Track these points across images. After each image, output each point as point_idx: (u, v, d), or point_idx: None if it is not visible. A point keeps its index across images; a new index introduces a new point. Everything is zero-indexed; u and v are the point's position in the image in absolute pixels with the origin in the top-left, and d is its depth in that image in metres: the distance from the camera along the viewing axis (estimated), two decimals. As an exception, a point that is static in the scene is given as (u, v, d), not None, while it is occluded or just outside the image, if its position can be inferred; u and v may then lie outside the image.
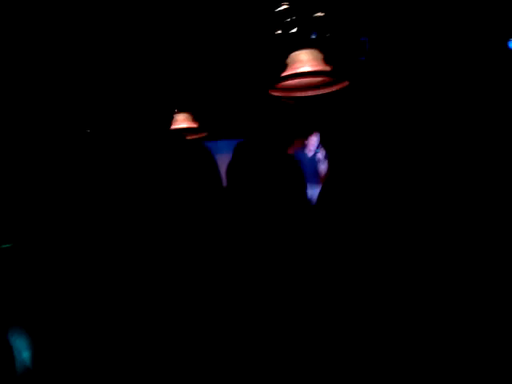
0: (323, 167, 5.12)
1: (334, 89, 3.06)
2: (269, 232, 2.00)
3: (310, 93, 3.16)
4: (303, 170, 4.52)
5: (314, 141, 5.26)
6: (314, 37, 4.27)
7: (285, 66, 3.10)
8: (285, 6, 4.18)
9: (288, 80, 2.98)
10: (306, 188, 2.10)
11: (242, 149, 2.13)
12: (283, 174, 2.03)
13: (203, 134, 4.66)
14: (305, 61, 2.94)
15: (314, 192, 5.23)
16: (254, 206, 1.99)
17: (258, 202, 2.01)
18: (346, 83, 3.02)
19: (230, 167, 2.14)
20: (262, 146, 2.04)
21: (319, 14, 4.32)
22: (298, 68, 2.95)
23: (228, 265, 2.11)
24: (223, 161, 6.23)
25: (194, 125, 4.31)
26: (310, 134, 5.33)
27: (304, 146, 5.33)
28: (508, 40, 4.47)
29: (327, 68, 2.93)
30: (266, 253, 1.99)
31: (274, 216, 2.00)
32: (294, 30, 4.17)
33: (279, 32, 4.13)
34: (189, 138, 4.86)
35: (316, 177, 5.25)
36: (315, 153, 5.19)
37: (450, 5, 4.22)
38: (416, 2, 4.24)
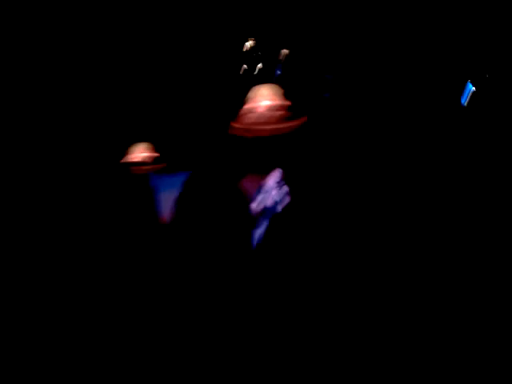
0: (284, 203, 5.11)
1: (293, 124, 3.06)
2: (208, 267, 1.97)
3: (269, 127, 3.15)
4: (264, 207, 4.50)
5: (272, 178, 5.25)
6: (279, 72, 4.32)
7: (245, 101, 3.11)
8: (251, 42, 4.23)
9: (248, 114, 2.98)
10: (252, 223, 2.10)
11: (191, 182, 2.12)
12: (228, 208, 2.02)
13: (162, 165, 4.59)
14: (265, 95, 2.95)
15: (272, 228, 5.17)
16: (198, 239, 1.96)
17: (203, 235, 1.98)
18: (305, 119, 3.03)
19: (180, 199, 2.11)
20: (211, 179, 2.03)
21: (285, 51, 4.39)
22: (258, 102, 2.96)
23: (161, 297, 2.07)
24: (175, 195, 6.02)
25: (153, 155, 4.25)
26: (269, 170, 5.33)
27: (262, 184, 5.31)
28: (461, 95, 4.64)
29: (287, 103, 2.95)
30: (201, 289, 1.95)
31: (215, 251, 1.97)
32: (260, 65, 4.22)
33: (245, 67, 4.18)
34: (146, 168, 4.80)
35: (277, 213, 5.20)
36: (275, 190, 5.17)
37: (411, 47, 4.37)
38: (380, 42, 4.37)
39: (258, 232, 4.63)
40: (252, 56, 4.04)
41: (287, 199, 5.07)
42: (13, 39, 3.13)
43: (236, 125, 3.19)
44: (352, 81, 4.75)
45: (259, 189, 5.05)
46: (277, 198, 4.99)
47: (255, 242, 2.16)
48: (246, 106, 3.04)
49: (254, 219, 2.18)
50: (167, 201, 5.98)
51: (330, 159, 5.37)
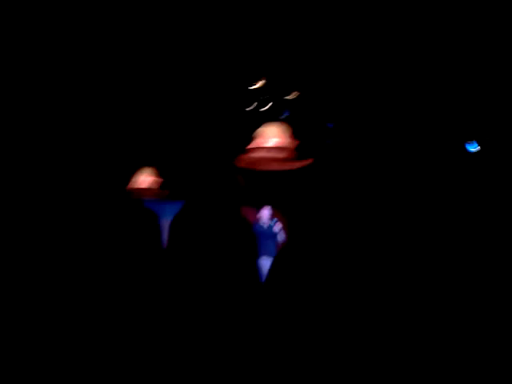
0: (280, 239, 5.15)
1: (298, 165, 3.14)
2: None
3: (273, 167, 3.23)
4: (261, 241, 4.53)
5: (266, 213, 5.31)
6: (286, 115, 4.46)
7: (251, 139, 3.19)
8: (260, 84, 4.37)
9: (253, 152, 3.05)
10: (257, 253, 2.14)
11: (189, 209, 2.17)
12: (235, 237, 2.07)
13: (166, 192, 4.62)
14: (273, 133, 3.03)
15: (269, 262, 5.15)
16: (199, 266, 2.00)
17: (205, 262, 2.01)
18: (310, 161, 3.12)
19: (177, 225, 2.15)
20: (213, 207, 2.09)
21: (294, 95, 4.53)
22: (266, 138, 3.03)
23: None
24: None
25: (158, 180, 4.26)
26: (261, 206, 5.39)
27: (258, 219, 5.36)
28: (466, 143, 4.78)
29: (295, 142, 3.03)
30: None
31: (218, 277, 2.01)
32: (267, 107, 4.35)
33: (253, 107, 4.30)
34: (151, 194, 4.81)
35: (273, 248, 5.24)
36: (270, 225, 5.22)
37: (410, 97, 4.51)
38: (382, 93, 4.51)
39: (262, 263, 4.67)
40: (262, 95, 4.17)
41: (282, 235, 5.14)
42: (15, 48, 3.20)
43: (243, 159, 3.26)
44: (353, 129, 4.89)
45: (256, 222, 5.13)
46: (272, 232, 5.07)
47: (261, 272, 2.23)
48: (255, 142, 3.12)
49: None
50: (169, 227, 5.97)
51: (329, 201, 5.46)
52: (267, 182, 5.24)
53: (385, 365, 1.77)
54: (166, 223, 5.33)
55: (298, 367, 1.80)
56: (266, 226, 5.20)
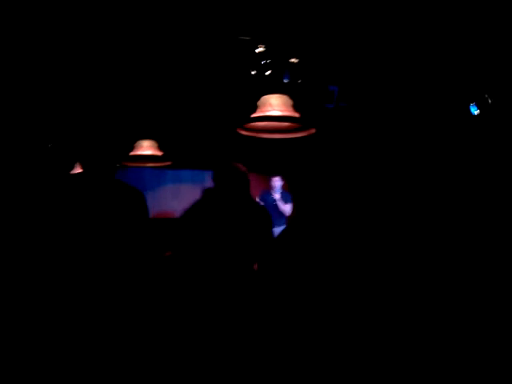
0: (286, 208, 5.20)
1: (300, 135, 3.14)
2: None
3: (277, 136, 3.22)
4: (270, 212, 4.59)
5: (277, 182, 5.33)
6: (286, 81, 4.39)
7: (255, 108, 3.16)
8: (261, 49, 4.29)
9: (257, 121, 3.04)
10: (272, 233, 2.21)
11: (210, 195, 2.21)
12: (253, 221, 2.12)
13: (167, 163, 4.65)
14: (275, 105, 3.01)
15: (280, 229, 5.26)
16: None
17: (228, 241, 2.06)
18: (313, 130, 3.11)
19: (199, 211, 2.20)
20: (230, 193, 2.13)
21: (294, 59, 4.46)
22: (267, 111, 3.01)
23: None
24: (186, 190, 6.26)
25: (158, 153, 4.31)
26: (272, 175, 5.42)
27: (269, 188, 5.40)
28: (470, 105, 4.73)
29: (295, 114, 3.01)
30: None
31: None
32: (268, 72, 4.28)
33: (254, 72, 4.23)
34: (152, 165, 4.84)
35: (281, 217, 5.33)
36: (285, 195, 5.27)
37: (417, 60, 4.44)
38: (386, 54, 4.43)
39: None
40: (261, 62, 4.09)
41: (290, 205, 5.19)
42: (13, 40, 3.15)
43: (244, 131, 3.26)
44: (357, 92, 4.82)
45: (267, 192, 5.17)
46: (280, 202, 5.12)
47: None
48: (255, 114, 3.10)
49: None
50: (185, 193, 6.07)
51: (332, 167, 5.46)
52: (274, 151, 5.25)
53: (385, 365, 1.82)
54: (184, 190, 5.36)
55: (299, 366, 1.86)
56: (276, 195, 5.27)
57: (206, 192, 2.34)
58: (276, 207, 5.23)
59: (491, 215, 4.05)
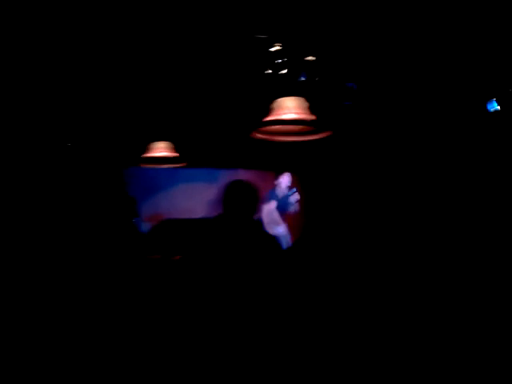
0: (294, 208, 5.13)
1: (316, 137, 3.07)
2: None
3: (292, 139, 3.16)
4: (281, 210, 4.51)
5: (285, 180, 5.27)
6: (303, 79, 4.32)
7: (269, 111, 3.10)
8: (277, 47, 4.21)
9: (271, 125, 2.98)
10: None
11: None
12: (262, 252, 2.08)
13: (183, 164, 4.63)
14: (290, 107, 2.95)
15: (277, 230, 5.16)
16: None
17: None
18: (329, 133, 3.03)
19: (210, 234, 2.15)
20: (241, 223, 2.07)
21: (310, 57, 4.37)
22: (283, 114, 2.96)
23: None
24: (201, 189, 6.20)
25: (174, 154, 4.29)
26: (281, 173, 5.35)
27: (275, 185, 5.33)
28: (487, 102, 4.59)
29: (312, 117, 2.94)
30: None
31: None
32: (284, 71, 4.20)
33: (269, 72, 4.16)
34: (167, 166, 4.83)
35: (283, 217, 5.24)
36: (288, 194, 5.19)
37: (436, 56, 4.32)
38: (403, 50, 4.33)
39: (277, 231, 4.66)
40: (276, 61, 4.02)
41: (297, 203, 5.12)
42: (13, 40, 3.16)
43: (258, 134, 3.21)
44: (375, 90, 4.71)
45: (274, 190, 5.11)
46: (289, 199, 5.06)
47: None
48: (270, 117, 3.04)
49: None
50: (200, 192, 6.04)
51: (347, 166, 5.37)
52: (287, 150, 5.18)
53: (385, 365, 1.76)
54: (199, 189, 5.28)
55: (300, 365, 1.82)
56: (283, 193, 5.20)
57: (216, 219, 2.22)
58: (284, 206, 5.16)
59: (508, 216, 3.94)
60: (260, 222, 2.27)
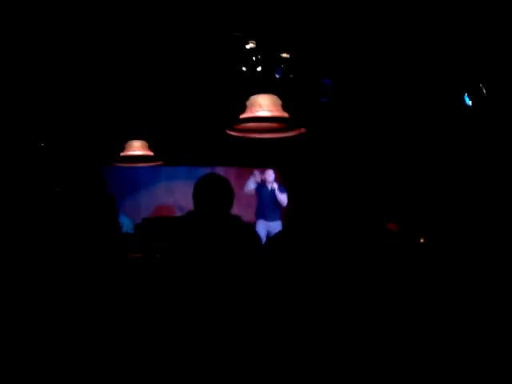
0: (284, 198, 5.19)
1: (290, 134, 3.09)
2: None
3: (266, 136, 3.18)
4: (263, 203, 4.60)
5: (271, 174, 5.31)
6: (278, 76, 4.34)
7: (244, 108, 3.12)
8: (252, 45, 4.22)
9: (245, 123, 3.00)
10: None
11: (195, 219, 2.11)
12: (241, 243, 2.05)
13: (159, 163, 4.62)
14: (264, 105, 2.96)
15: (274, 224, 5.23)
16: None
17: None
18: (303, 130, 3.06)
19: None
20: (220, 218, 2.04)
21: (285, 54, 4.39)
22: (256, 112, 2.97)
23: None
24: (181, 186, 6.20)
25: (149, 153, 4.27)
26: (265, 167, 5.40)
27: (262, 181, 5.37)
28: (464, 95, 4.66)
29: (285, 114, 2.96)
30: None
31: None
32: (259, 68, 4.21)
33: (244, 69, 4.16)
34: (143, 165, 4.81)
35: (277, 209, 5.32)
36: (273, 188, 5.24)
37: (412, 52, 4.38)
38: (378, 46, 4.38)
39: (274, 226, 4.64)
40: (252, 58, 4.03)
41: (284, 194, 5.16)
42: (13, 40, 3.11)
43: (233, 132, 3.22)
44: (351, 86, 4.75)
45: (262, 184, 5.15)
46: (278, 192, 5.10)
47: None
48: (244, 115, 3.06)
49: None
50: (180, 189, 6.03)
51: (325, 162, 5.41)
52: (266, 146, 5.21)
53: (385, 365, 1.79)
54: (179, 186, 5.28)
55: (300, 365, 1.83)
56: (269, 188, 5.25)
57: (188, 216, 2.18)
58: (273, 198, 5.22)
59: (490, 212, 4.02)
60: (237, 217, 2.21)
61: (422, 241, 3.71)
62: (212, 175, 2.10)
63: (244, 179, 5.42)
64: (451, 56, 4.29)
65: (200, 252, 2.06)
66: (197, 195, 2.06)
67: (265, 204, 5.31)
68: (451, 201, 4.55)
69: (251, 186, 5.26)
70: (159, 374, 2.00)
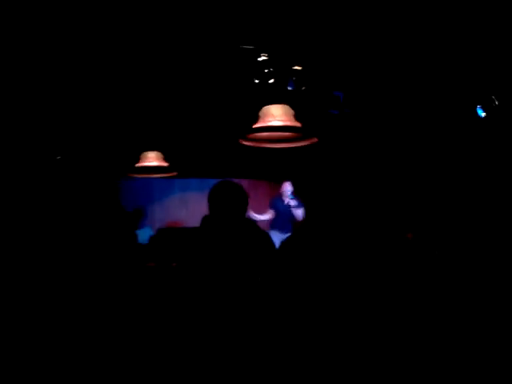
0: (299, 212, 5.19)
1: (302, 144, 3.13)
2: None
3: (279, 145, 3.23)
4: (280, 217, 4.61)
5: (288, 188, 5.33)
6: (290, 88, 4.40)
7: (257, 118, 3.17)
8: (264, 57, 4.29)
9: (259, 131, 3.05)
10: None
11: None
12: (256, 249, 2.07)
13: (173, 173, 4.69)
14: (276, 115, 3.01)
15: (287, 236, 5.20)
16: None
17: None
18: (315, 140, 3.10)
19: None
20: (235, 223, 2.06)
21: (297, 67, 4.45)
22: (269, 121, 3.02)
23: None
24: (194, 198, 6.26)
25: (164, 163, 4.34)
26: (282, 181, 5.43)
27: (279, 194, 5.40)
28: (477, 107, 4.67)
29: (297, 124, 3.01)
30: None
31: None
32: (272, 80, 4.28)
33: (256, 81, 4.23)
34: (158, 176, 4.88)
35: (291, 221, 5.32)
36: (290, 201, 5.25)
37: (425, 65, 4.41)
38: (391, 59, 4.41)
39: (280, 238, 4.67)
40: (264, 71, 4.09)
41: (300, 209, 5.18)
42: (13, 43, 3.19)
43: (246, 142, 3.27)
44: (362, 97, 4.79)
45: (278, 197, 5.18)
46: (293, 207, 5.12)
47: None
48: (257, 125, 3.11)
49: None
50: (194, 201, 6.09)
51: (339, 172, 5.43)
52: (280, 158, 5.26)
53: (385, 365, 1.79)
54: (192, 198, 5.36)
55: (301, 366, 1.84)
56: (287, 200, 5.27)
57: (204, 222, 2.21)
58: (289, 213, 5.23)
59: (500, 218, 4.00)
60: (252, 221, 2.23)
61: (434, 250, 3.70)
62: (227, 181, 2.16)
63: (257, 191, 5.46)
64: (464, 67, 4.31)
65: (216, 259, 2.09)
66: (212, 199, 2.11)
67: (280, 216, 5.32)
68: (466, 211, 4.53)
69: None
70: (175, 377, 2.01)
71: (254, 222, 2.24)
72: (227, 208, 2.11)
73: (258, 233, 2.20)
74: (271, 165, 5.69)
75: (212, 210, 2.12)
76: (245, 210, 2.15)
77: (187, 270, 2.18)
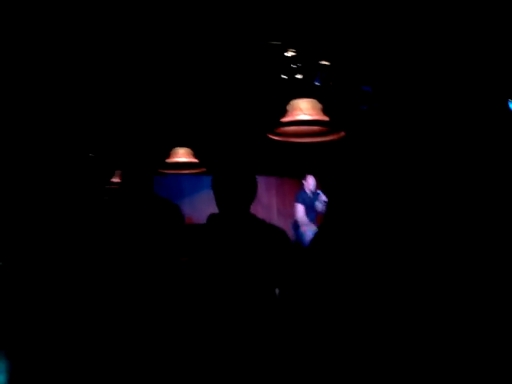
0: (321, 206, 5.19)
1: (330, 138, 3.13)
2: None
3: (307, 140, 3.23)
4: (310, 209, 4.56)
5: (311, 180, 5.34)
6: (317, 84, 4.39)
7: (285, 112, 3.18)
8: (292, 53, 4.30)
9: (287, 125, 3.07)
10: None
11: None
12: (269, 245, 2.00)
13: (202, 169, 4.75)
14: (304, 109, 3.02)
15: (309, 230, 5.19)
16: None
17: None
18: (343, 134, 3.09)
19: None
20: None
21: (324, 62, 4.44)
22: (297, 115, 3.03)
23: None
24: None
25: (193, 160, 4.41)
26: (305, 175, 5.44)
27: (303, 187, 5.42)
28: (508, 100, 4.55)
29: (325, 118, 3.01)
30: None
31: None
32: (299, 76, 4.28)
33: (284, 77, 4.24)
34: (187, 172, 4.95)
35: (314, 218, 5.32)
36: (316, 194, 5.27)
37: (454, 58, 4.33)
38: (420, 53, 4.35)
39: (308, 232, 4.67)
40: (291, 66, 4.11)
41: (324, 206, 5.17)
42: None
43: (274, 136, 3.29)
44: (391, 92, 4.73)
45: (303, 190, 5.18)
46: (319, 204, 5.12)
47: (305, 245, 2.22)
48: (285, 119, 3.12)
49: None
50: (208, 200, 6.16)
51: (366, 168, 5.37)
52: (307, 153, 5.26)
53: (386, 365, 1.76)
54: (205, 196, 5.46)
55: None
56: (310, 195, 5.28)
57: (210, 219, 2.16)
58: (312, 204, 5.23)
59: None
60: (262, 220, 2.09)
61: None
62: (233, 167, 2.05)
63: (286, 189, 5.48)
64: (496, 61, 4.21)
65: (228, 254, 2.03)
66: (217, 188, 2.06)
67: (309, 208, 5.32)
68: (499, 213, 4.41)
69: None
70: (188, 377, 2.00)
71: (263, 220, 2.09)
72: (233, 197, 2.01)
73: (272, 229, 2.08)
74: (298, 161, 5.70)
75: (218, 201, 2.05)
76: (252, 199, 2.04)
77: (199, 265, 2.14)
